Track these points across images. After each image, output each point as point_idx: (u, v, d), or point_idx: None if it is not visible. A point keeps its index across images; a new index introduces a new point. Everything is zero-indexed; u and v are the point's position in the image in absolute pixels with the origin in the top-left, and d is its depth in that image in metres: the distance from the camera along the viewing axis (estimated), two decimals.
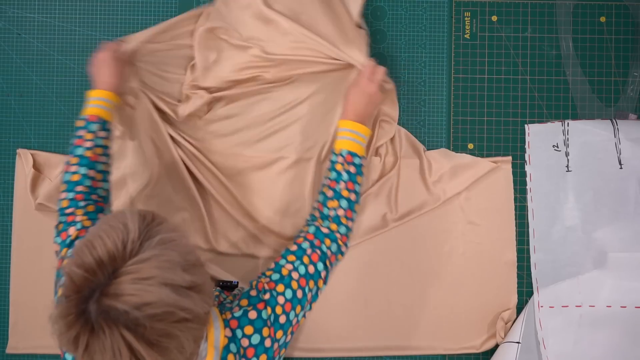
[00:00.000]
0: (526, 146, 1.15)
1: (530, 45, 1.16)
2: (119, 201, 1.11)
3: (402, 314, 1.13)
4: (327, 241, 0.91)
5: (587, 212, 1.12)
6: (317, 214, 0.95)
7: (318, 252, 0.90)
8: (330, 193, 0.95)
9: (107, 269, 0.63)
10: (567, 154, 1.14)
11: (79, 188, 0.93)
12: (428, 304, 1.13)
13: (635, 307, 1.09)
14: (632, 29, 1.16)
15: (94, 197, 0.94)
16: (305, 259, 0.88)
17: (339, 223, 0.93)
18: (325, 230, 0.92)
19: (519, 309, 1.12)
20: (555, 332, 1.09)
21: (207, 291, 0.71)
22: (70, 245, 0.87)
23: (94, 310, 0.62)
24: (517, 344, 1.07)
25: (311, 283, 0.87)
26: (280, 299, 0.83)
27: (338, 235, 0.93)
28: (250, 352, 0.79)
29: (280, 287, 0.84)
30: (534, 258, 1.13)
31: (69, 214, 0.91)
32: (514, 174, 1.15)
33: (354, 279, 1.12)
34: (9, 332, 1.12)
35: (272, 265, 0.88)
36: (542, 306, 1.11)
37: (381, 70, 1.03)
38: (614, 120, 1.14)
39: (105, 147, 0.98)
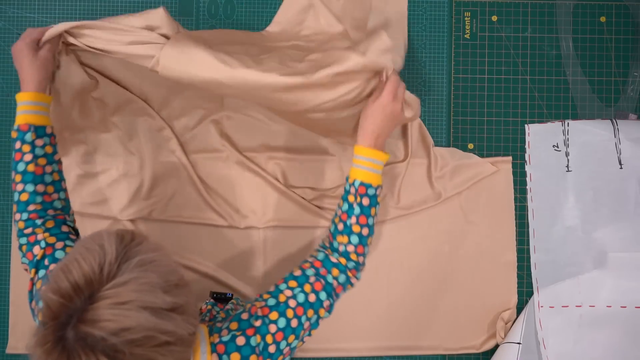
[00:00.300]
0: (526, 146, 1.15)
1: (530, 45, 1.16)
2: (120, 201, 1.12)
3: (402, 314, 1.13)
4: (335, 271, 0.86)
5: (587, 212, 1.12)
6: (327, 244, 0.90)
7: (322, 281, 0.85)
8: (340, 226, 0.88)
9: (83, 294, 0.61)
10: (567, 154, 1.14)
11: (31, 207, 0.87)
12: (428, 304, 1.13)
13: (635, 307, 1.09)
14: (632, 29, 1.16)
15: (51, 212, 0.89)
16: (307, 287, 0.83)
17: (348, 259, 0.87)
18: (334, 260, 0.87)
19: (519, 309, 1.12)
20: (555, 332, 1.09)
21: (190, 312, 0.68)
22: (37, 265, 0.83)
23: (71, 337, 0.59)
24: (517, 345, 1.07)
25: (310, 312, 0.83)
26: (272, 328, 0.79)
27: (347, 268, 0.88)
28: None
29: (273, 315, 0.80)
30: (534, 258, 1.13)
31: (28, 234, 0.86)
32: (514, 174, 1.15)
33: None
34: (9, 332, 1.12)
35: (272, 289, 0.84)
36: (542, 306, 1.11)
37: (403, 86, 0.91)
38: (614, 120, 1.14)
39: (49, 154, 0.90)
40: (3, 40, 1.16)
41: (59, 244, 0.84)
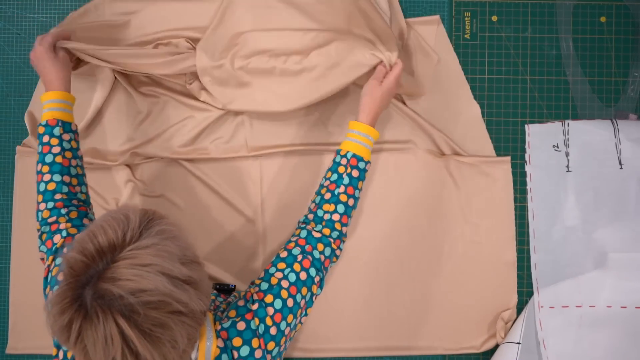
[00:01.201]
0: (526, 146, 1.15)
1: (530, 45, 1.16)
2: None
3: (402, 314, 1.13)
4: (320, 246, 0.88)
5: (588, 212, 1.12)
6: (310, 217, 0.92)
7: (309, 257, 0.87)
8: (327, 195, 0.92)
9: (106, 257, 0.64)
10: (567, 154, 1.13)
11: (58, 196, 0.91)
12: (428, 304, 1.13)
13: (636, 308, 1.09)
14: (632, 29, 1.16)
15: (75, 202, 0.92)
16: (296, 266, 0.85)
17: (333, 228, 0.90)
18: (317, 235, 0.89)
19: (519, 309, 1.12)
20: (555, 333, 1.09)
21: (204, 290, 0.70)
22: (56, 252, 0.86)
23: (89, 295, 0.62)
24: (517, 345, 1.07)
25: (304, 290, 0.85)
26: (270, 310, 0.81)
27: (331, 239, 0.90)
28: None
29: (269, 298, 0.82)
30: (534, 258, 1.13)
31: (52, 222, 0.89)
32: (514, 174, 1.15)
33: (353, 279, 1.12)
34: (8, 333, 1.12)
35: (262, 274, 0.86)
36: (542, 306, 1.10)
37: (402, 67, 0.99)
38: (614, 121, 1.14)
39: (74, 149, 0.96)
40: (3, 40, 1.16)
41: None
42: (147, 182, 1.14)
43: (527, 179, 1.14)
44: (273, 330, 0.80)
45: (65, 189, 0.92)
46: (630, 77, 1.16)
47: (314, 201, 0.93)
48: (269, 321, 0.80)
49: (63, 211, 0.90)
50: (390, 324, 1.13)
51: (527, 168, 1.15)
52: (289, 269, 0.85)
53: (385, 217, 1.14)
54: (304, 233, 0.90)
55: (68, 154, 0.94)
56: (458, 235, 1.14)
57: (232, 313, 0.81)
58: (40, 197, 0.92)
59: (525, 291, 1.13)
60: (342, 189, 0.91)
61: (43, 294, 0.85)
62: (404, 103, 1.14)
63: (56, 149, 0.93)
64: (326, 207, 0.91)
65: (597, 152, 1.13)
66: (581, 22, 1.16)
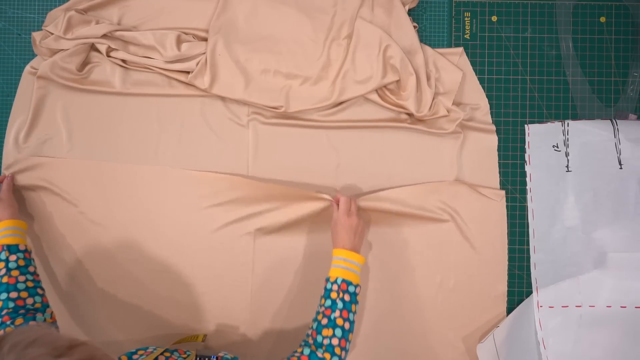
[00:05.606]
0: (526, 146, 1.15)
1: (530, 46, 1.16)
2: None
3: (390, 343, 1.12)
4: None
5: (587, 212, 1.12)
6: (310, 340, 0.93)
7: None
8: (324, 321, 0.94)
9: None
10: (567, 154, 1.14)
11: (4, 312, 0.94)
12: (416, 335, 1.12)
13: (635, 307, 1.09)
14: (632, 29, 1.16)
15: (22, 312, 0.95)
16: None
17: (333, 353, 0.91)
18: (320, 355, 0.91)
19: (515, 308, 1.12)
20: (555, 332, 1.09)
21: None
22: None
23: None
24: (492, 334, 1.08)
25: None
26: None
27: None
28: None
29: None
30: (533, 258, 1.13)
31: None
32: (514, 174, 1.15)
33: None
34: None
35: None
36: (541, 306, 1.11)
37: (354, 201, 1.05)
38: (614, 121, 1.14)
39: (22, 266, 0.99)
40: (3, 40, 1.16)
41: None
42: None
43: (527, 179, 1.15)
44: None
45: (11, 304, 0.95)
46: (630, 77, 1.16)
47: (312, 327, 0.95)
48: None
49: (8, 322, 0.92)
50: (378, 352, 1.12)
51: (527, 168, 1.15)
52: None
53: (376, 247, 1.13)
54: (307, 351, 0.91)
55: (15, 272, 0.98)
56: (450, 267, 1.13)
57: None
58: None
59: (525, 291, 1.13)
60: (337, 313, 0.94)
61: None
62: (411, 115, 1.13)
63: (2, 271, 0.97)
64: (325, 332, 0.93)
65: (597, 152, 1.13)
66: (581, 22, 1.16)
